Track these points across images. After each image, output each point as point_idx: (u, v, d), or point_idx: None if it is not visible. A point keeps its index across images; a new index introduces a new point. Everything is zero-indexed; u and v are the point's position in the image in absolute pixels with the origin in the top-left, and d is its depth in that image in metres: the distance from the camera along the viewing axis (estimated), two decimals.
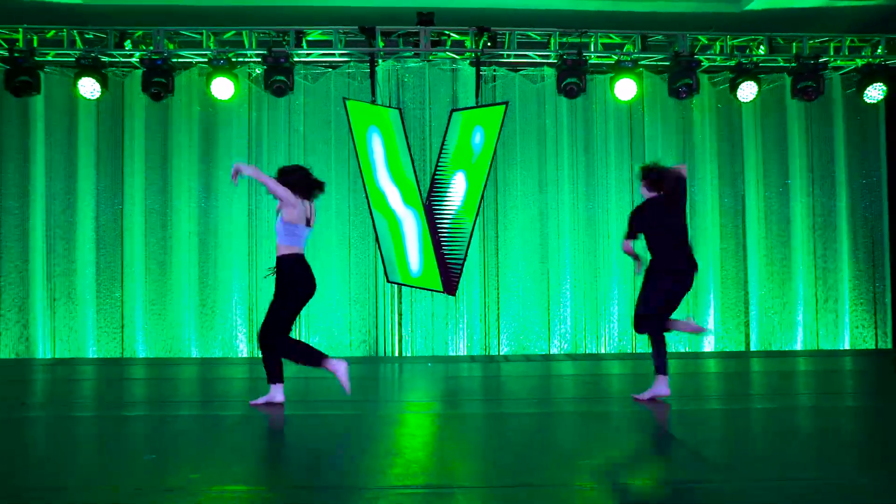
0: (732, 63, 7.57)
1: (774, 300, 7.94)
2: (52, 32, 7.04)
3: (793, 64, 7.58)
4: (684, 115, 8.03)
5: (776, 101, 8.08)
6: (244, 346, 7.60)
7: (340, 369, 4.20)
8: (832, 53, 7.69)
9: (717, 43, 7.67)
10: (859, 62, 7.67)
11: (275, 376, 4.35)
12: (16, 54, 6.77)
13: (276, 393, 4.33)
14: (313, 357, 4.24)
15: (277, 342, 4.28)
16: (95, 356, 7.56)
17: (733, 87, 7.54)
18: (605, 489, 2.70)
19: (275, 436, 3.91)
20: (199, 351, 7.60)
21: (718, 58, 7.65)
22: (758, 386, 5.88)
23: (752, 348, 7.85)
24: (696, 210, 8.00)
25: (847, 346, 7.88)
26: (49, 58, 7.13)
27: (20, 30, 6.93)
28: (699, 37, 7.62)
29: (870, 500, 2.50)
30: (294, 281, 4.23)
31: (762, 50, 7.66)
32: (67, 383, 6.06)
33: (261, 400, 4.37)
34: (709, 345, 7.88)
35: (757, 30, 7.66)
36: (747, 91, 7.47)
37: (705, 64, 7.74)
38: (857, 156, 8.11)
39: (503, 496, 2.58)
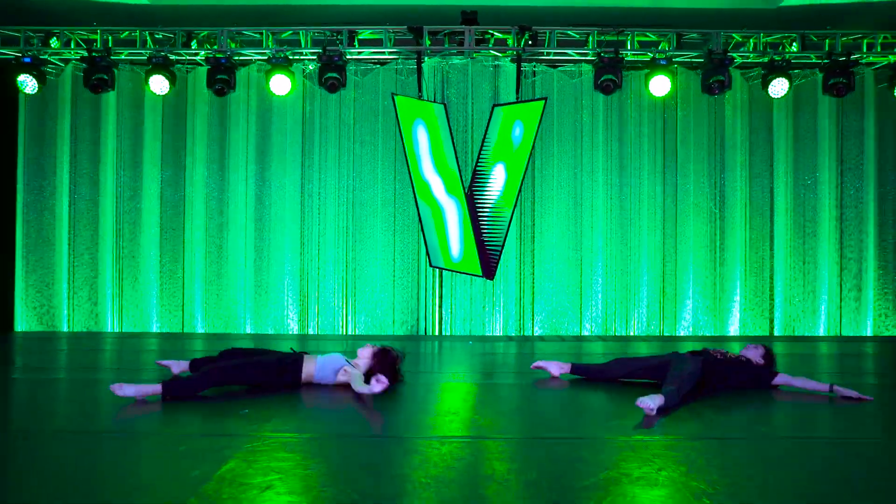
0: (765, 60, 7.83)
1: (798, 289, 8.25)
2: (126, 33, 7.60)
3: (825, 60, 7.82)
4: (716, 109, 8.33)
5: (808, 97, 8.32)
6: (294, 324, 8.16)
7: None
8: (864, 50, 7.90)
9: (751, 40, 7.93)
10: (892, 58, 7.88)
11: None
12: (93, 54, 7.34)
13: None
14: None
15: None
16: (158, 331, 8.20)
17: (765, 84, 7.81)
18: (611, 442, 3.15)
19: (332, 399, 4.35)
20: (252, 328, 8.19)
21: (752, 55, 7.91)
22: None
23: (776, 334, 8.18)
24: (726, 201, 8.33)
25: (870, 334, 8.18)
26: (122, 56, 7.71)
27: (98, 31, 7.51)
28: (733, 34, 7.90)
29: None
30: None
31: (795, 47, 7.90)
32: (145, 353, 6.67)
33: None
34: (734, 329, 8.22)
35: (790, 27, 7.91)
36: (779, 87, 7.74)
37: (738, 61, 8.02)
38: (886, 150, 8.34)
39: (521, 444, 3.14)
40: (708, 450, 3.11)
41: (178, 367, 4.59)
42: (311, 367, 4.28)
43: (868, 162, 8.33)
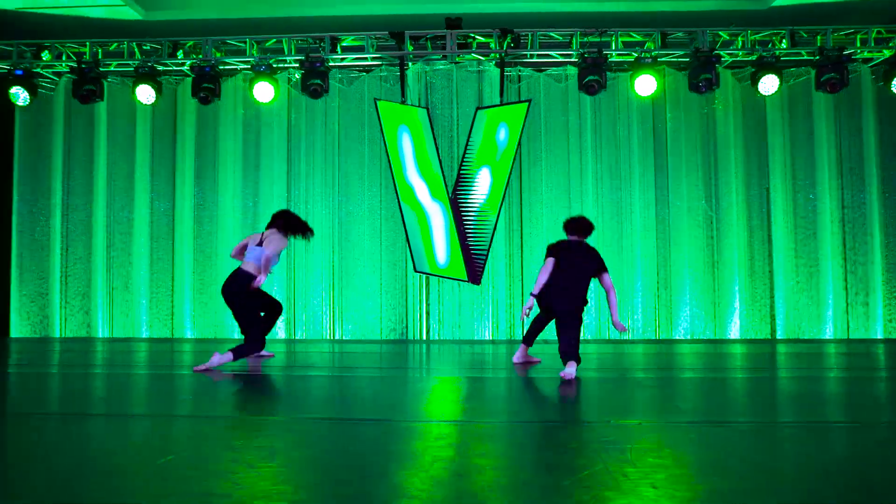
0: (754, 57, 7.67)
1: (801, 293, 7.91)
2: (115, 45, 7.79)
3: (816, 57, 7.62)
4: (707, 110, 8.15)
5: (803, 95, 8.11)
6: (282, 331, 8.08)
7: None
8: (859, 45, 7.68)
9: (739, 38, 7.78)
10: (887, 53, 7.65)
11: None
12: (82, 65, 7.53)
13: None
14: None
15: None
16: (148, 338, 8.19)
17: (754, 81, 7.64)
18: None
19: (333, 389, 4.31)
20: (241, 334, 8.11)
21: (740, 52, 7.76)
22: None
23: (779, 337, 7.83)
24: (720, 203, 8.09)
25: (880, 337, 7.78)
26: (112, 68, 7.89)
27: (87, 43, 7.71)
28: (720, 32, 7.76)
29: None
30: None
31: (784, 44, 7.73)
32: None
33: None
34: (734, 334, 7.89)
35: (780, 24, 7.75)
36: (768, 84, 7.55)
37: (727, 59, 7.87)
38: (887, 147, 8.04)
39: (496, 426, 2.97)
40: (702, 434, 2.86)
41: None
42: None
43: (869, 161, 8.02)
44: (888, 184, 8.02)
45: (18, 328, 8.32)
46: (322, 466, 2.28)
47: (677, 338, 7.94)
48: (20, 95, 7.60)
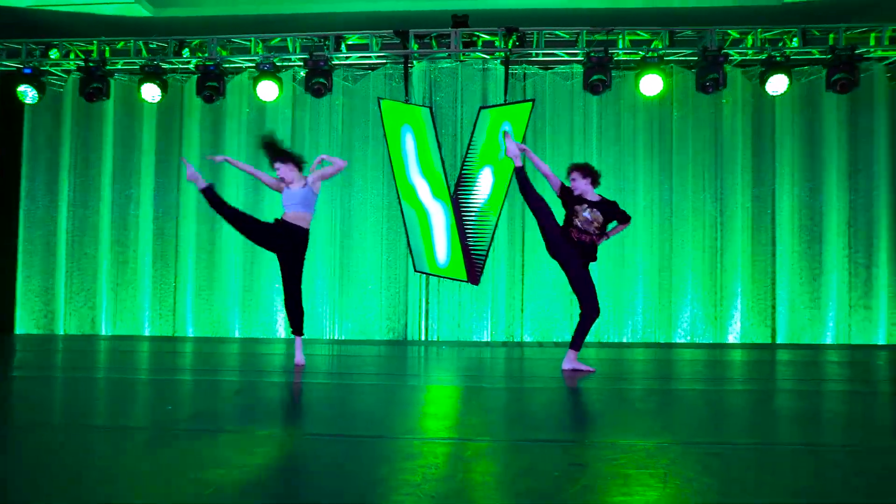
0: (763, 56, 7.55)
1: (805, 296, 7.82)
2: (122, 43, 7.84)
3: (828, 56, 7.49)
4: (715, 109, 8.04)
5: (815, 95, 7.96)
6: (282, 329, 8.14)
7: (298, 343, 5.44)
8: (872, 43, 7.53)
9: (749, 36, 7.66)
10: None
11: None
12: (90, 64, 7.58)
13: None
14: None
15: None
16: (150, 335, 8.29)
17: (763, 81, 7.53)
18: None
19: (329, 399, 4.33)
20: (241, 332, 8.20)
21: (750, 51, 7.64)
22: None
23: (779, 341, 7.76)
24: (726, 204, 8.00)
25: (883, 343, 7.68)
26: (118, 66, 7.94)
27: (95, 42, 7.76)
28: (729, 31, 7.65)
29: None
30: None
31: (795, 42, 7.59)
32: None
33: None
34: (733, 337, 7.84)
35: (791, 22, 7.61)
36: (776, 84, 7.44)
37: (737, 58, 7.75)
38: None
39: (501, 447, 2.93)
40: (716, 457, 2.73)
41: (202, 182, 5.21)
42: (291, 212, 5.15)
43: (879, 163, 7.88)
44: None
45: (23, 324, 8.45)
46: (311, 489, 2.24)
47: (677, 341, 7.89)
48: (28, 94, 7.68)
